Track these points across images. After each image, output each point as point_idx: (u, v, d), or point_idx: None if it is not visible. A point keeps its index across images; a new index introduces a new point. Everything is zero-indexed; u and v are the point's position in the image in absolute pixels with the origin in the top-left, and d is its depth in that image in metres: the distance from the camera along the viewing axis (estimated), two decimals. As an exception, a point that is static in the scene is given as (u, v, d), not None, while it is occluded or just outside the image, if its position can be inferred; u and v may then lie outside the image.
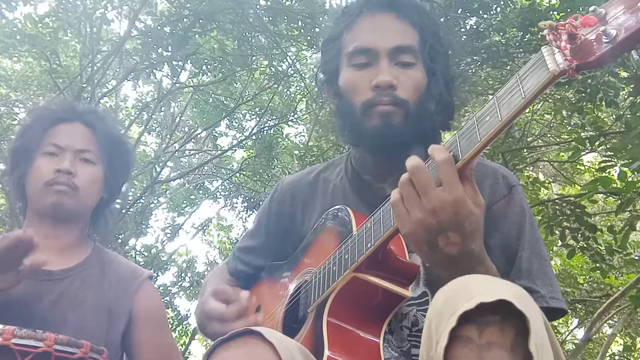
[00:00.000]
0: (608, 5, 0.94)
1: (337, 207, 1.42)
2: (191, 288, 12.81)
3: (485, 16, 5.74)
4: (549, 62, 0.96)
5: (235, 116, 11.40)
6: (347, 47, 1.45)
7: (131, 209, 10.24)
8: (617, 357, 10.68)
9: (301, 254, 1.50)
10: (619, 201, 5.07)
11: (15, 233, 1.44)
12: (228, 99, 10.55)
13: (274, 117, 11.22)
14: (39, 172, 1.69)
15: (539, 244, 1.36)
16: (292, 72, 9.25)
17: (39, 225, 1.72)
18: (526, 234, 1.34)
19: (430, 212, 1.04)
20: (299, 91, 10.59)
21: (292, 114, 10.91)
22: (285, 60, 8.72)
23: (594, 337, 8.21)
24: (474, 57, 5.93)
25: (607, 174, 4.96)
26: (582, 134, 6.41)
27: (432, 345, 0.92)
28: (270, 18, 7.14)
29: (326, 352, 1.17)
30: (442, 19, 4.74)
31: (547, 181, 8.70)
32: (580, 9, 3.78)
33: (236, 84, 10.24)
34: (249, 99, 10.58)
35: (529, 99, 0.98)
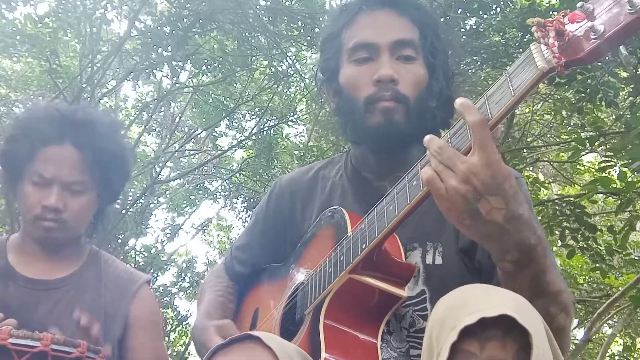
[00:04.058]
0: (596, 1, 0.94)
1: (332, 208, 1.42)
2: (191, 288, 12.79)
3: (485, 16, 5.73)
4: (537, 59, 0.96)
5: (235, 116, 11.36)
6: (347, 43, 1.45)
7: (131, 209, 10.22)
8: (617, 357, 10.67)
9: (297, 255, 1.49)
10: (619, 201, 5.06)
11: None
12: (228, 99, 10.52)
13: (274, 117, 11.18)
14: (27, 202, 1.63)
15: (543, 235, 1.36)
16: (292, 72, 9.22)
17: (33, 238, 1.72)
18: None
19: (464, 178, 1.00)
20: (299, 91, 10.56)
21: (292, 114, 10.88)
22: (285, 60, 8.70)
23: (594, 337, 8.19)
24: (474, 58, 5.92)
25: (607, 174, 4.96)
26: (582, 134, 6.40)
27: (432, 356, 0.92)
28: (270, 18, 7.13)
29: (323, 355, 1.17)
30: (442, 19, 4.74)
31: (547, 181, 8.70)
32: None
33: (236, 84, 10.21)
34: (248, 99, 10.55)
35: (518, 96, 0.98)
